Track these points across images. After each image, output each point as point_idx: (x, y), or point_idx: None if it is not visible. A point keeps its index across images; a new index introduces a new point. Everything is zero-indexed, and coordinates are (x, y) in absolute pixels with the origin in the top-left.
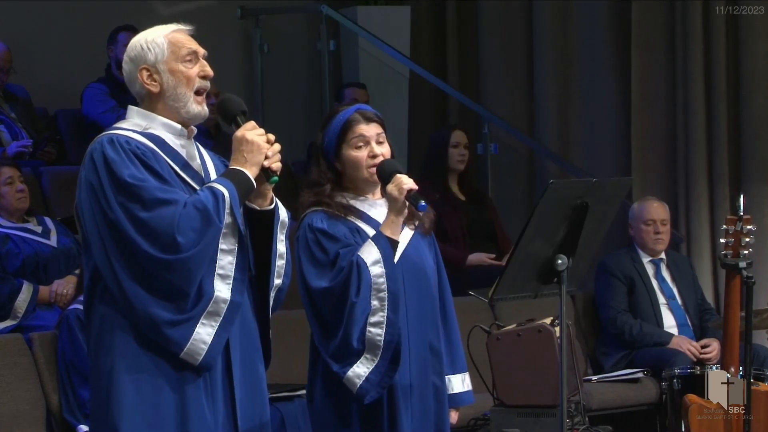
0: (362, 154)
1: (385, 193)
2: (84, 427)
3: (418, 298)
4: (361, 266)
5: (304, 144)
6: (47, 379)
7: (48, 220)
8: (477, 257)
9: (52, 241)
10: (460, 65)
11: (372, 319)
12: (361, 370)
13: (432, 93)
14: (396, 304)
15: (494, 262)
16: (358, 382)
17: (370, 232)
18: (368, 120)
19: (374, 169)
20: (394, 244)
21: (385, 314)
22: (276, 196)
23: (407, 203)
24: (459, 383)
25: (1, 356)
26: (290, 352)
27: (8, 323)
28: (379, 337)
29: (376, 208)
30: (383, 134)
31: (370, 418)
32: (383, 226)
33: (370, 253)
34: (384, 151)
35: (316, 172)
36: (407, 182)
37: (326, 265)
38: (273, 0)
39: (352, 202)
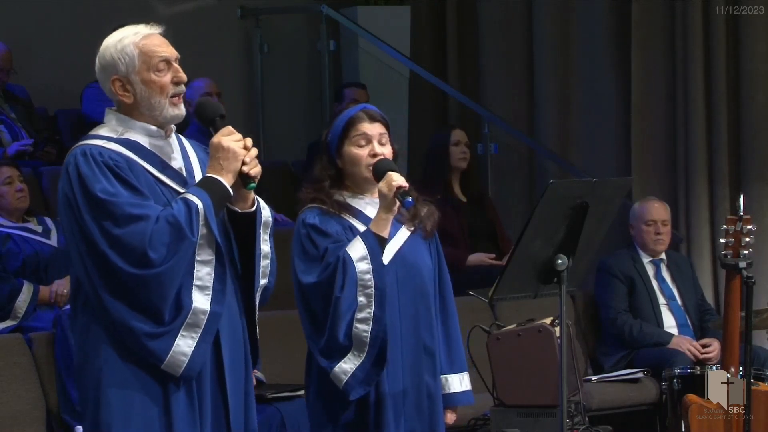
0: (363, 152)
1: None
2: (81, 428)
3: (412, 299)
4: (346, 262)
5: (304, 144)
6: (47, 379)
7: (48, 220)
8: (477, 257)
9: (53, 240)
10: (460, 65)
11: (359, 315)
12: (347, 366)
13: (432, 93)
14: (383, 301)
15: (494, 262)
16: (344, 378)
17: (362, 229)
18: (372, 119)
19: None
20: (383, 241)
21: (372, 310)
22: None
23: (396, 201)
24: (457, 383)
25: (1, 356)
26: (290, 352)
27: (8, 323)
28: (365, 333)
29: (374, 206)
30: (386, 135)
31: (356, 422)
32: (372, 224)
33: (356, 249)
34: (386, 151)
35: (318, 168)
36: (397, 179)
37: (315, 260)
38: (273, 0)
39: (349, 200)
